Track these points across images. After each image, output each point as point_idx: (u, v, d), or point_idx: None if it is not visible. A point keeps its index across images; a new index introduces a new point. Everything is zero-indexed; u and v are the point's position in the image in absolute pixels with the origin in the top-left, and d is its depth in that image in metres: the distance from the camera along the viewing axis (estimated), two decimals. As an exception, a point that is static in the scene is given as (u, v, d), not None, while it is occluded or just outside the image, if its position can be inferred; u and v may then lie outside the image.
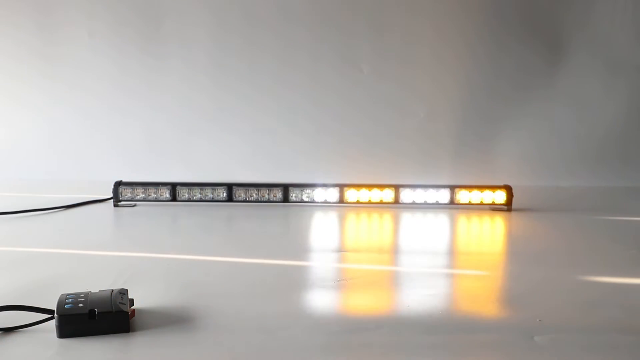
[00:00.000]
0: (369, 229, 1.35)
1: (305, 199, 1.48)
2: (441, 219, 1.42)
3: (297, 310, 0.77)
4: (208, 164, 1.90)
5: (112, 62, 1.90)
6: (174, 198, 1.48)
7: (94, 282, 0.80)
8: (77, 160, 1.92)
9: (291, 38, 1.87)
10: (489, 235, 1.32)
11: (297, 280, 0.90)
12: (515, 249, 1.21)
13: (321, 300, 0.83)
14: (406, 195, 1.48)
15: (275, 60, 1.89)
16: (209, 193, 1.49)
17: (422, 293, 0.84)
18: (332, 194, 1.48)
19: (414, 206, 1.49)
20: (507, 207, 1.47)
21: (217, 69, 1.90)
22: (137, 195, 1.48)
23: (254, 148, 1.92)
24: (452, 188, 1.48)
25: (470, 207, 1.49)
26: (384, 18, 1.87)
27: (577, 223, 1.38)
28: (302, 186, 1.49)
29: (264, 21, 1.87)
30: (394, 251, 1.16)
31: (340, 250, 1.14)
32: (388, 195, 1.48)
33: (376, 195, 1.47)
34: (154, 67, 1.90)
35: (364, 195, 1.47)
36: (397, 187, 1.48)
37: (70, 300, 0.67)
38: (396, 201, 1.48)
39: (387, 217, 1.42)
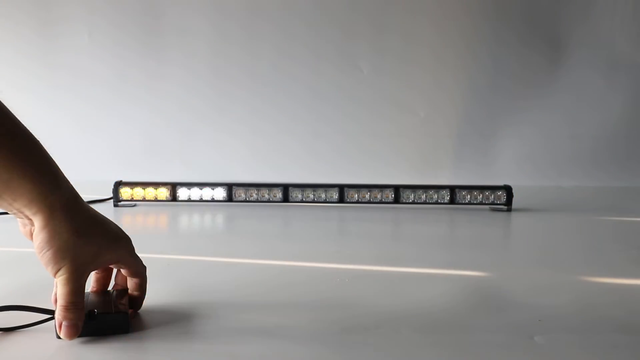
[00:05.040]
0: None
1: (305, 199, 1.48)
2: (441, 219, 1.42)
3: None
4: (207, 162, 1.91)
5: (111, 62, 1.90)
6: (173, 198, 1.48)
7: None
8: (76, 160, 1.92)
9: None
10: (488, 235, 1.32)
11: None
12: (515, 249, 1.21)
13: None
14: (406, 195, 1.48)
15: (276, 54, 1.90)
16: (208, 193, 1.49)
17: (422, 293, 0.84)
18: (333, 194, 1.48)
19: (414, 206, 1.49)
20: (507, 207, 1.47)
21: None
22: (137, 195, 1.48)
23: (253, 146, 1.93)
24: (452, 188, 1.48)
25: (470, 207, 1.49)
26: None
27: (578, 223, 1.38)
28: (302, 186, 1.49)
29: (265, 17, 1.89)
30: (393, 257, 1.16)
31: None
32: (388, 195, 1.48)
33: (376, 195, 1.48)
34: (154, 69, 1.91)
35: (364, 195, 1.48)
36: (397, 187, 1.48)
37: (70, 300, 0.67)
38: (396, 201, 1.48)
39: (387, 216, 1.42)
